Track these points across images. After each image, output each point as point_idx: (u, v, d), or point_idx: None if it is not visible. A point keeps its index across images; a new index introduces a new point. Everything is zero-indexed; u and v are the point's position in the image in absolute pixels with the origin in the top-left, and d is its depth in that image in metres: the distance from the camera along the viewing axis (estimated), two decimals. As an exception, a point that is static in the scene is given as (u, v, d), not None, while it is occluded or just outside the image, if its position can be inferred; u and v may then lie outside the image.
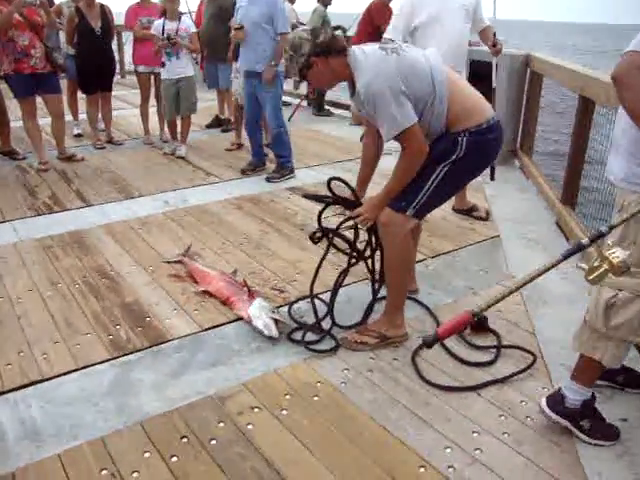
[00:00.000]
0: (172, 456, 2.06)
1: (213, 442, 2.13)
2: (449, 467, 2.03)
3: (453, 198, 3.61)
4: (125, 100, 8.61)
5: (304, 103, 8.18)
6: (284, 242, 3.88)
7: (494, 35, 4.06)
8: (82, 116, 6.56)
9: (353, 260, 2.88)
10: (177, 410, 2.29)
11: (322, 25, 7.28)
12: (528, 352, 2.65)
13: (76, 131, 6.71)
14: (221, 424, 2.22)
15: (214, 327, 2.87)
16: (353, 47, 2.52)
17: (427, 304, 3.06)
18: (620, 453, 2.11)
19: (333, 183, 2.72)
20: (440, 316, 2.94)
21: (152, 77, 6.22)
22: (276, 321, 2.80)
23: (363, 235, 2.81)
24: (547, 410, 2.17)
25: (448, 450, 2.11)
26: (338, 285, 2.86)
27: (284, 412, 2.28)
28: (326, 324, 2.80)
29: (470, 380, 2.48)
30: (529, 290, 3.08)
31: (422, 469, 2.02)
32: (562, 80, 4.52)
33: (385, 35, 3.92)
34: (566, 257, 1.74)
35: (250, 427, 2.20)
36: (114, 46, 6.93)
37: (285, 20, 4.88)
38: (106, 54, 6.07)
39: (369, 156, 2.90)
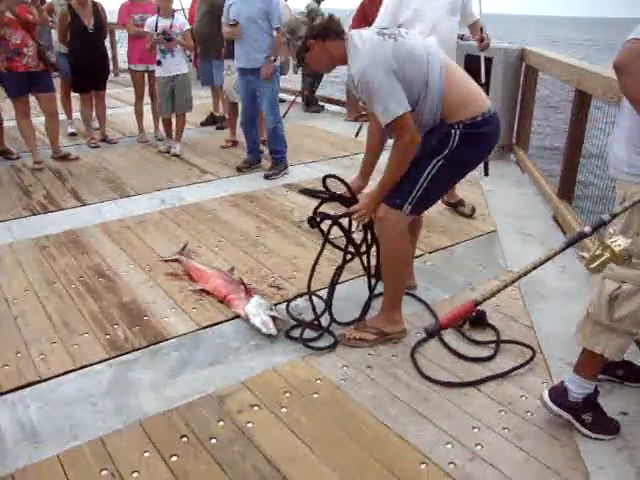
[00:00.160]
0: (172, 455, 2.06)
1: (213, 441, 2.12)
2: (450, 463, 2.03)
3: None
4: (119, 98, 8.56)
5: (299, 99, 8.16)
6: (281, 239, 3.87)
7: (481, 30, 4.05)
8: (76, 115, 6.52)
9: (349, 256, 2.88)
10: (176, 409, 2.28)
11: None
12: (527, 347, 2.65)
13: (70, 130, 6.66)
14: (221, 423, 2.21)
15: (212, 325, 2.86)
16: (352, 31, 2.51)
17: (425, 300, 3.06)
18: (620, 447, 2.11)
19: (329, 180, 2.71)
20: (438, 312, 2.94)
21: (146, 75, 6.18)
22: (274, 318, 2.79)
23: (357, 234, 2.81)
24: (550, 403, 2.17)
25: (448, 446, 2.11)
26: (335, 282, 2.86)
27: (284, 410, 2.28)
28: (324, 321, 2.80)
29: (470, 375, 2.48)
30: (527, 284, 3.08)
31: (423, 465, 2.02)
32: (558, 74, 4.51)
33: None
34: (569, 245, 1.74)
35: (250, 425, 2.20)
36: (107, 44, 6.88)
37: (281, 15, 4.85)
38: (99, 52, 6.01)
39: (373, 142, 2.85)
